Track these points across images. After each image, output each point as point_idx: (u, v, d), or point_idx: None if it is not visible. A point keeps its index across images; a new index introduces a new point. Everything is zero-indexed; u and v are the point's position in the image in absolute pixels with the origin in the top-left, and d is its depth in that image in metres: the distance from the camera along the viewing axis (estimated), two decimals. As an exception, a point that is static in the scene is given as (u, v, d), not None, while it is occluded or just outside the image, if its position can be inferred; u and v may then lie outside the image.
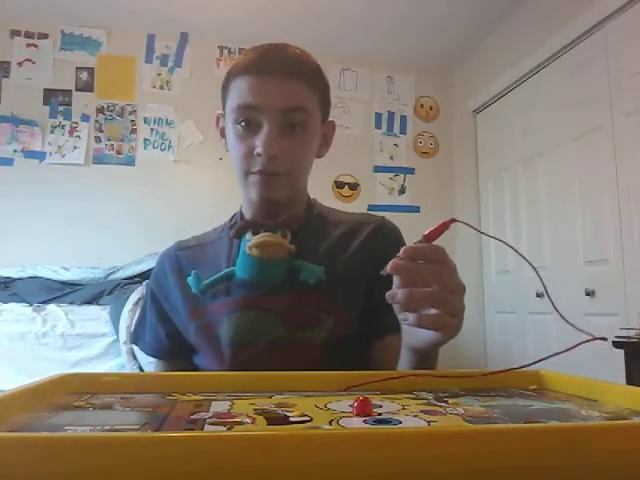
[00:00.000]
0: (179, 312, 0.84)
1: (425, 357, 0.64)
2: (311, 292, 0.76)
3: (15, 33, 3.48)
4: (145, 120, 3.59)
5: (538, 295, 2.93)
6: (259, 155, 0.76)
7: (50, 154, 3.44)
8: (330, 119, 0.88)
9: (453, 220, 0.55)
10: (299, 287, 0.75)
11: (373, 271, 0.80)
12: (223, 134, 0.85)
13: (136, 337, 0.91)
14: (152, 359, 0.90)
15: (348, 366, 0.59)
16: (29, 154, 3.41)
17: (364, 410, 0.42)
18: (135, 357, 2.45)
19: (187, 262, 0.86)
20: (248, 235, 0.72)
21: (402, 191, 3.92)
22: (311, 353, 0.74)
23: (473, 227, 0.59)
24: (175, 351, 0.86)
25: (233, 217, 0.92)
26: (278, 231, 0.72)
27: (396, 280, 0.56)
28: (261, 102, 0.76)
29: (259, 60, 0.77)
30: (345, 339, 0.77)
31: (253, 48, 0.81)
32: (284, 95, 0.76)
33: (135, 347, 2.43)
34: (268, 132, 0.75)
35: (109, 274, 3.11)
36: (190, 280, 0.76)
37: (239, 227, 0.75)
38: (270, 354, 0.75)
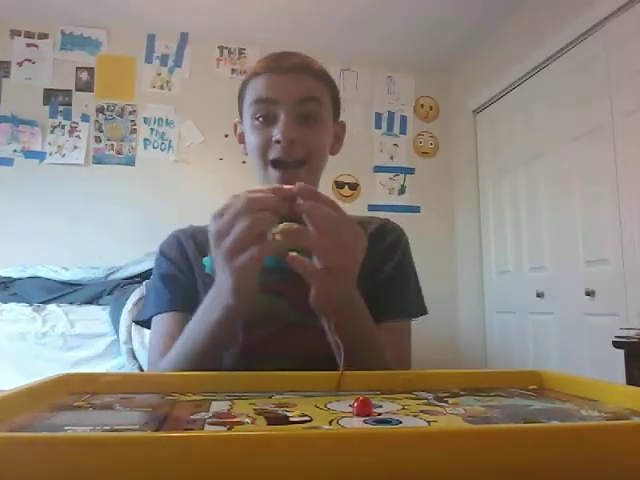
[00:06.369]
0: (194, 278, 0.84)
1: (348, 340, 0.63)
2: None
3: (15, 33, 3.48)
4: (145, 120, 3.59)
5: (538, 295, 2.93)
6: (277, 142, 0.79)
7: (50, 154, 3.44)
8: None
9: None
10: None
11: (375, 264, 0.86)
12: (242, 140, 0.89)
13: (143, 312, 0.87)
14: (158, 326, 0.84)
15: None
16: (29, 154, 3.41)
17: (364, 410, 0.42)
18: (135, 357, 2.45)
19: (205, 240, 0.83)
20: None
21: (402, 191, 3.92)
22: (322, 338, 0.74)
23: None
24: (187, 301, 0.81)
25: None
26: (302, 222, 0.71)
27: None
28: (276, 95, 0.81)
29: (272, 62, 0.84)
30: None
31: (265, 56, 0.88)
32: (297, 87, 0.82)
33: (134, 347, 2.46)
34: (285, 120, 0.79)
35: (109, 274, 3.11)
36: (207, 260, 0.76)
37: None
38: (283, 338, 0.78)
